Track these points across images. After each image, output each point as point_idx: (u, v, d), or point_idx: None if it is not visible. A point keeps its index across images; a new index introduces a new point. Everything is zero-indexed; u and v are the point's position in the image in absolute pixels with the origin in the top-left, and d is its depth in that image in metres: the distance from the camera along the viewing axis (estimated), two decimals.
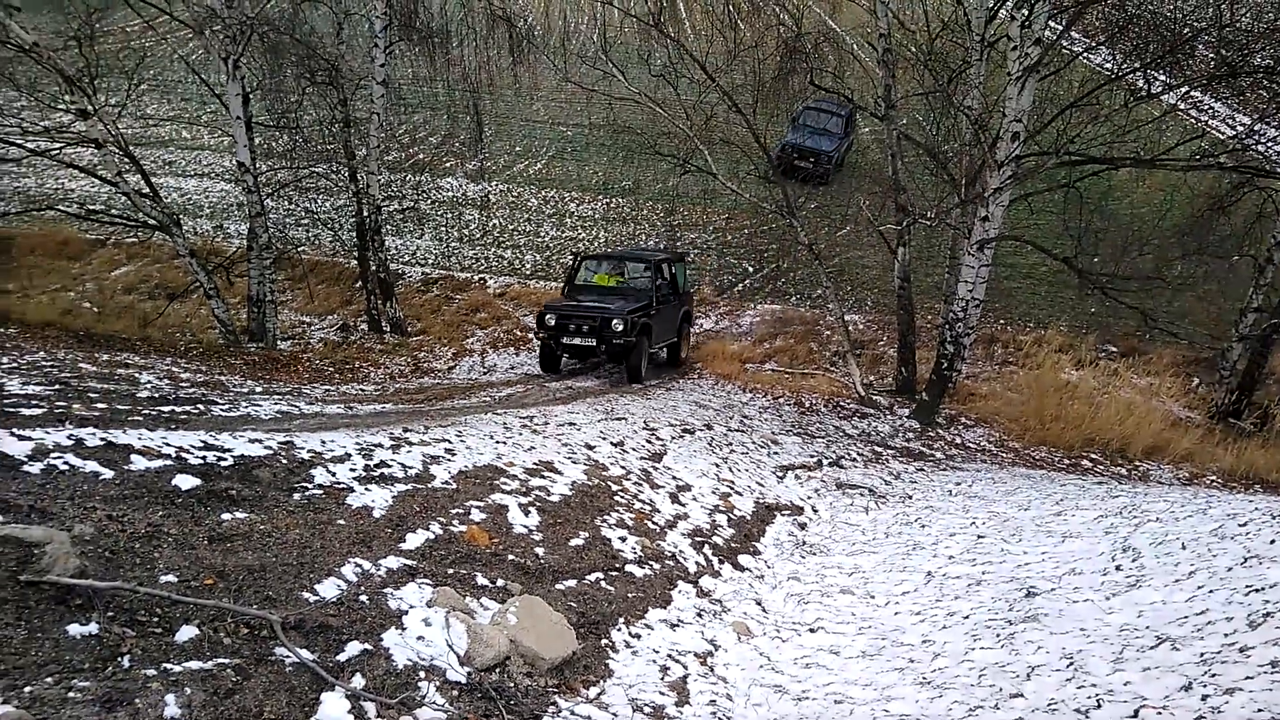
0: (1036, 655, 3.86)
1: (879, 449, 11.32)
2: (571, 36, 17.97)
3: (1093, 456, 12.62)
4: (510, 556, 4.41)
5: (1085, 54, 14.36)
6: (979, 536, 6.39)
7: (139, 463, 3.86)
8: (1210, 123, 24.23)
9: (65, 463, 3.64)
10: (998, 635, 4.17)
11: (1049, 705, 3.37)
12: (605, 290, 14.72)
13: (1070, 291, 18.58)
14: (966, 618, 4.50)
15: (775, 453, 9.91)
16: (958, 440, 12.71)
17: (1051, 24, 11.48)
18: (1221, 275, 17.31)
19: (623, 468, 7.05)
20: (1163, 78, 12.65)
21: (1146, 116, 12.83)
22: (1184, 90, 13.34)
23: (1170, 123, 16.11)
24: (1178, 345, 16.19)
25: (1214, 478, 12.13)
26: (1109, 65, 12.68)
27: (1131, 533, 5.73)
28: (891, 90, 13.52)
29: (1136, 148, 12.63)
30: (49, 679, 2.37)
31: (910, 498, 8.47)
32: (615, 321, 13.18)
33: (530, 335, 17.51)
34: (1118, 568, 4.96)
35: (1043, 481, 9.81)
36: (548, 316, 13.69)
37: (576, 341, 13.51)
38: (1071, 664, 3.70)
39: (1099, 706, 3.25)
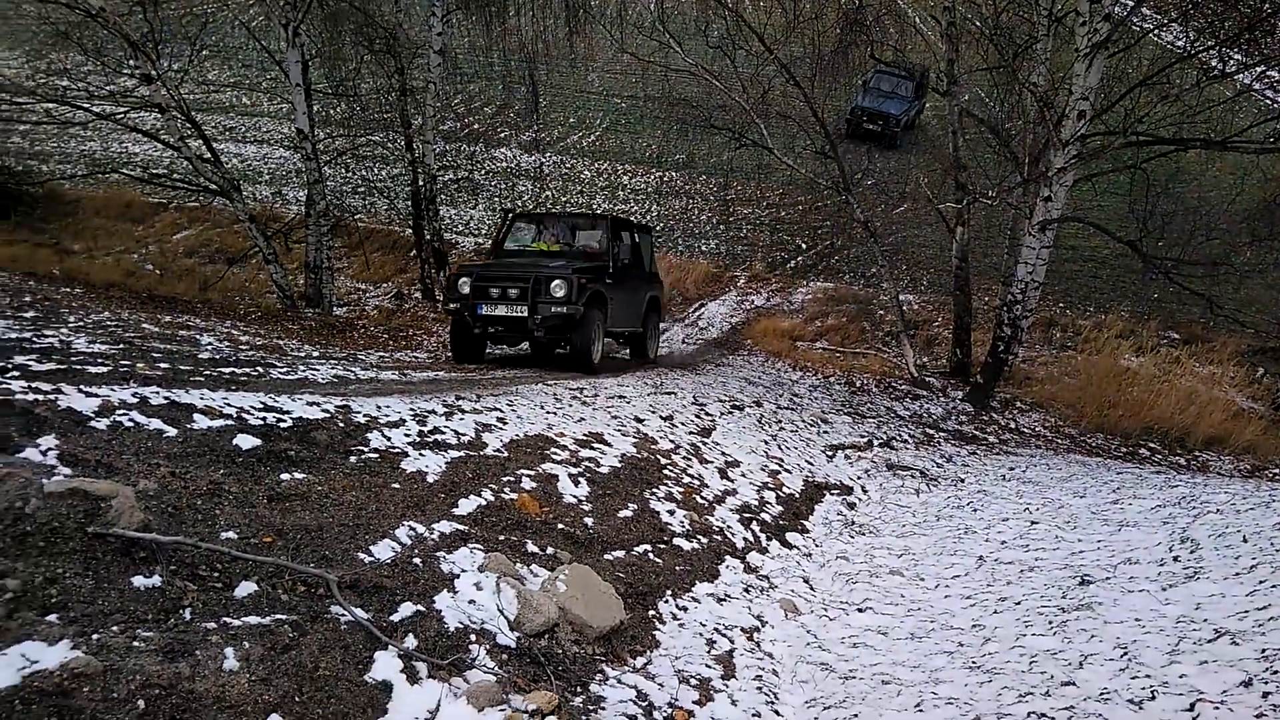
0: (1090, 644, 3.79)
1: (931, 431, 11.19)
2: (628, 6, 17.85)
3: (1151, 445, 12.36)
4: (560, 525, 4.44)
5: (1157, 31, 13.91)
6: (1032, 522, 6.29)
7: (201, 422, 3.94)
8: None
9: (131, 420, 3.72)
10: (1050, 622, 4.11)
11: (1101, 694, 3.32)
12: (546, 255, 11.69)
13: (1133, 276, 18.16)
14: (1018, 604, 4.44)
15: (825, 431, 9.85)
16: (1012, 425, 12.52)
17: None
18: None
19: (672, 441, 7.05)
20: (1238, 56, 12.22)
21: (1219, 97, 12.45)
22: (1260, 69, 12.88)
23: (1244, 103, 15.60)
24: (1243, 333, 15.74)
25: (1277, 470, 11.81)
26: (1181, 42, 12.28)
27: (1190, 524, 5.60)
28: (954, 65, 13.25)
29: (1207, 129, 12.27)
30: (115, 628, 2.43)
31: (962, 481, 8.36)
32: (556, 283, 10.01)
33: None
34: (1175, 559, 4.85)
35: (1099, 469, 9.63)
36: (462, 280, 10.33)
37: (501, 312, 10.13)
38: (1126, 654, 3.63)
39: (1153, 698, 3.19)
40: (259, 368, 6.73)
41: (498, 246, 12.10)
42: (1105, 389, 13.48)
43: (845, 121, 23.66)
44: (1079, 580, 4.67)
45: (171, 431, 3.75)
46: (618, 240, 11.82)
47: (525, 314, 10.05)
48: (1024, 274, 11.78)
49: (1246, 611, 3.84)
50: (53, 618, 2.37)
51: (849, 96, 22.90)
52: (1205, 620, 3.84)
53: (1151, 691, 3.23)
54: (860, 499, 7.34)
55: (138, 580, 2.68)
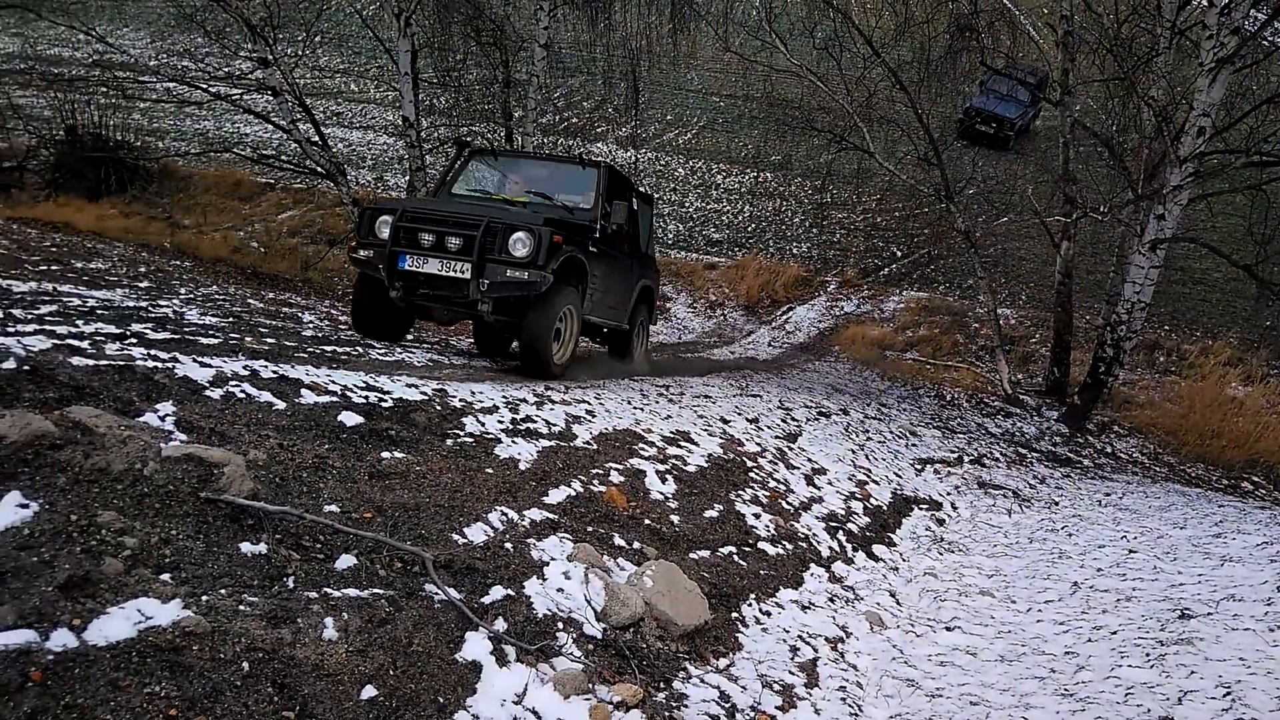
0: (1189, 680, 3.65)
1: (1023, 450, 10.89)
2: (734, 5, 17.77)
3: (1255, 479, 11.82)
4: (646, 521, 4.45)
5: None
6: (1130, 551, 6.07)
7: (308, 397, 4.06)
8: None
9: (242, 391, 3.86)
10: (1147, 655, 3.96)
11: None
12: (508, 204, 8.48)
13: (1244, 301, 17.39)
14: (1114, 633, 4.29)
15: (913, 444, 9.67)
16: (1109, 449, 12.10)
17: (1254, 12, 10.66)
18: None
19: (758, 445, 7.01)
20: None
21: None
22: None
23: None
24: None
25: None
26: None
27: None
28: (1069, 75, 12.85)
29: None
30: (223, 591, 2.52)
31: (1056, 504, 8.12)
32: (518, 236, 7.08)
33: (668, 305, 17.46)
34: None
35: (1199, 500, 9.26)
36: (381, 220, 7.39)
37: (432, 269, 7.16)
38: (1229, 694, 3.48)
39: None
40: (358, 347, 6.91)
41: (443, 182, 9.13)
42: (1209, 418, 12.95)
43: (958, 121, 23.36)
44: (1179, 614, 4.49)
45: (280, 405, 3.88)
46: (613, 200, 8.62)
47: (468, 275, 7.03)
48: (1130, 294, 11.37)
49: None
50: (166, 577, 2.46)
51: (956, 102, 22.49)
52: None
53: None
54: (949, 515, 7.18)
55: (245, 546, 2.77)
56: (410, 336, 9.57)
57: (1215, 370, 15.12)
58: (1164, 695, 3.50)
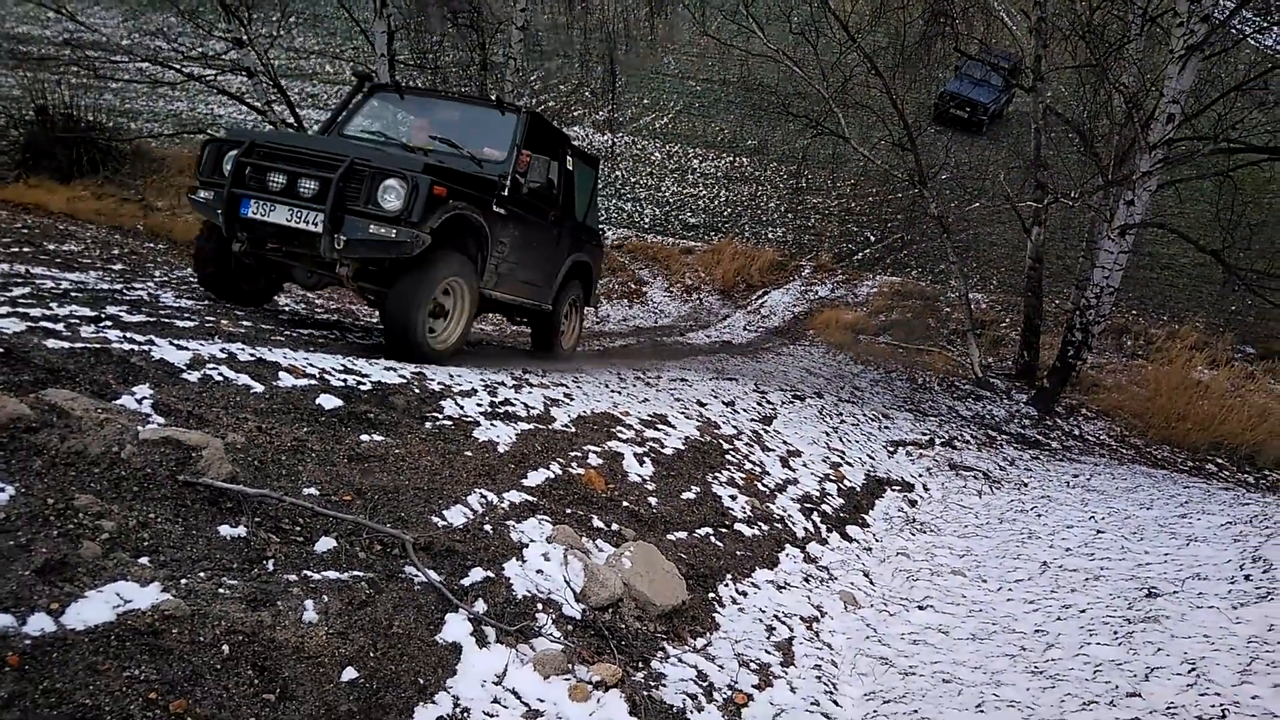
0: (1156, 657, 3.73)
1: (993, 433, 11.02)
2: None
3: (1218, 461, 12.03)
4: (625, 503, 4.47)
5: (1255, 35, 13.43)
6: (1098, 531, 6.17)
7: (286, 380, 4.05)
8: None
9: (220, 374, 3.84)
10: (1115, 632, 4.04)
11: (1168, 708, 3.26)
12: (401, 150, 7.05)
13: (1211, 287, 17.65)
14: (1083, 611, 4.37)
15: (886, 427, 9.75)
16: (1076, 431, 12.27)
17: (1223, 1, 10.77)
18: None
19: (734, 427, 7.05)
20: None
21: None
22: None
23: None
24: None
25: None
26: None
27: (1263, 543, 5.45)
28: (1042, 61, 12.94)
29: None
30: (202, 574, 2.52)
31: (1025, 485, 8.23)
32: (389, 183, 5.71)
33: (644, 289, 17.48)
34: (1246, 577, 4.73)
35: (1165, 482, 9.41)
36: (226, 155, 6.06)
37: (279, 219, 5.83)
38: (1194, 670, 3.56)
39: (1224, 717, 3.12)
40: (335, 330, 6.88)
41: (333, 125, 7.73)
42: (1174, 401, 13.15)
43: (932, 105, 23.60)
44: (1146, 592, 4.58)
45: (258, 388, 3.86)
46: (533, 152, 7.25)
47: (319, 228, 5.69)
48: (1100, 278, 11.51)
49: None
50: (144, 560, 2.46)
51: (930, 88, 22.63)
52: (1279, 642, 3.75)
53: (1222, 710, 3.16)
54: (922, 496, 7.27)
55: (224, 529, 2.76)
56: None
57: (1181, 354, 15.33)
58: (1131, 672, 3.57)
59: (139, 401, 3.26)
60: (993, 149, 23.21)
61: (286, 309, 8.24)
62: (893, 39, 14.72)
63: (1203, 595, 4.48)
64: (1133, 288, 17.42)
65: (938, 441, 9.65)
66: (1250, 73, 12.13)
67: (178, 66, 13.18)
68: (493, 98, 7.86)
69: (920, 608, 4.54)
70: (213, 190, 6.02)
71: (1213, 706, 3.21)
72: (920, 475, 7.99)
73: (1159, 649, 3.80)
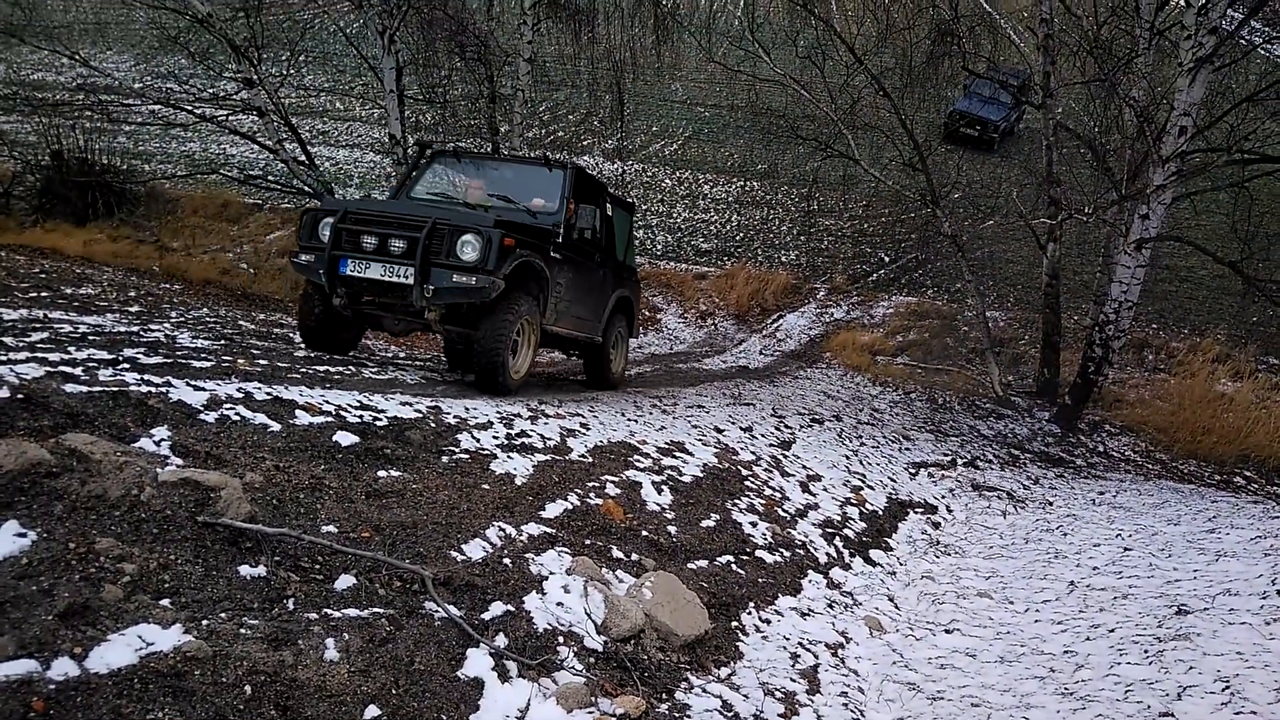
0: (1188, 675, 3.67)
1: (1016, 452, 10.93)
2: (718, 15, 17.86)
3: (1247, 474, 11.87)
4: (644, 532, 4.46)
5: (1266, 45, 13.39)
6: (1125, 549, 6.11)
7: (303, 418, 4.07)
8: None
9: (237, 414, 3.86)
10: (1145, 651, 3.98)
11: None
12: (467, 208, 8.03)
13: (1232, 299, 17.46)
14: (1112, 631, 4.31)
15: (907, 448, 9.70)
16: (1101, 448, 12.15)
17: (1230, 12, 10.75)
18: None
19: (752, 453, 7.03)
20: None
21: None
22: None
23: None
24: None
25: None
26: None
27: None
28: (1050, 78, 12.94)
29: None
30: (223, 614, 2.52)
31: (1050, 504, 8.16)
32: (467, 239, 6.64)
33: (658, 316, 17.47)
34: (1279, 592, 4.66)
35: (1192, 496, 9.30)
36: (323, 223, 7.02)
37: (374, 274, 6.79)
38: (1228, 688, 3.50)
39: None
40: (351, 366, 6.91)
41: (401, 186, 8.94)
42: (1199, 414, 13.00)
43: (942, 125, 23.59)
44: (1176, 610, 4.51)
45: (275, 426, 3.88)
46: (581, 203, 8.30)
47: (411, 280, 6.62)
48: (1117, 293, 11.42)
49: None
50: (165, 602, 2.46)
51: (940, 107, 22.65)
52: None
53: None
54: (945, 518, 7.21)
55: (244, 569, 2.77)
56: (403, 354, 9.57)
57: (1204, 367, 15.17)
58: (1163, 691, 3.52)
59: (157, 443, 3.28)
60: (1004, 166, 23.14)
61: (302, 346, 8.30)
62: (900, 59, 14.75)
63: (1234, 611, 4.41)
64: (1152, 301, 17.27)
65: (960, 462, 9.58)
66: (1262, 83, 12.08)
67: (189, 108, 13.35)
68: (540, 155, 9.06)
69: (947, 631, 4.50)
70: (313, 253, 6.96)
71: None
72: (943, 496, 7.93)
73: (1191, 667, 3.74)
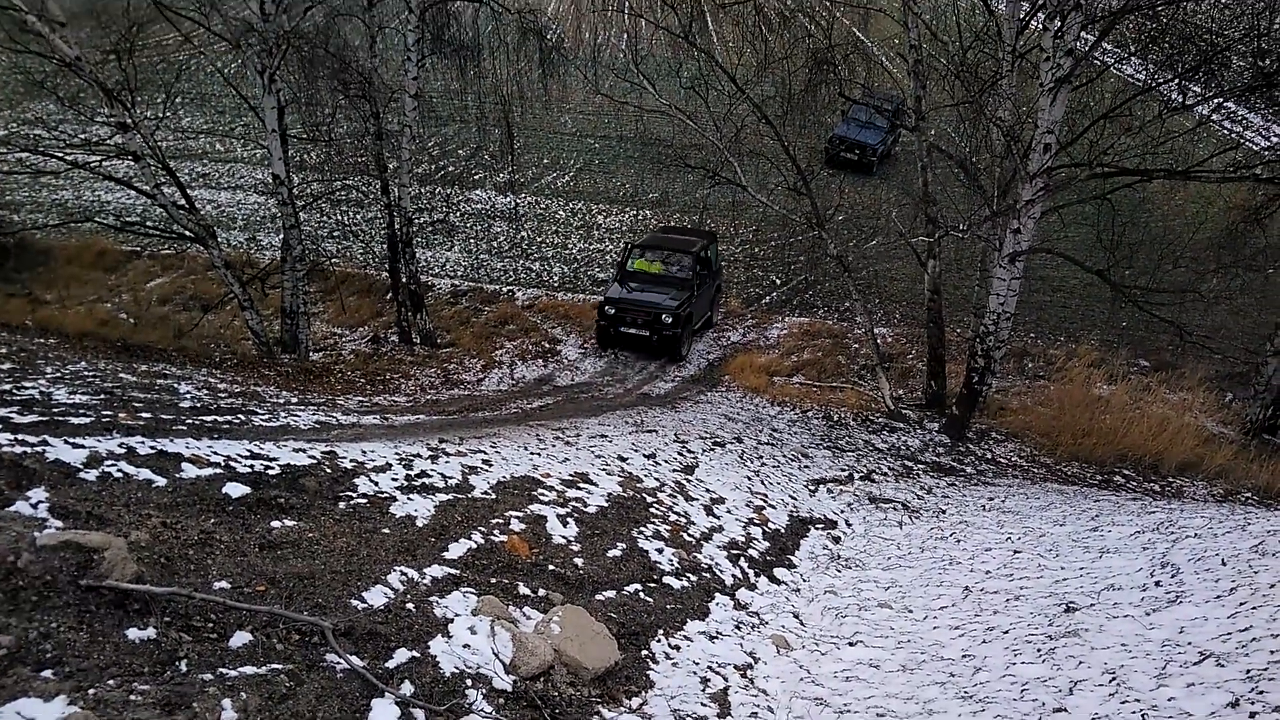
0: (1078, 670, 3.84)
1: (909, 463, 11.26)
2: (602, 49, 18.07)
3: (1125, 472, 12.48)
4: (550, 566, 4.44)
5: (1118, 65, 14.23)
6: (1015, 552, 6.35)
7: (190, 471, 3.93)
8: (1245, 134, 24.05)
9: (119, 470, 3.71)
10: (1038, 650, 4.15)
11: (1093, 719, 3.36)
12: (653, 279, 16.57)
13: (1102, 305, 18.37)
14: (1006, 632, 4.47)
15: (806, 466, 9.89)
16: (989, 455, 12.62)
17: (1084, 35, 11.41)
18: (1257, 288, 17.09)
19: (656, 480, 7.07)
20: (1196, 89, 12.51)
21: (1180, 128, 12.72)
22: (1218, 101, 13.20)
23: (1204, 134, 15.96)
24: (1211, 360, 15.94)
25: (1249, 494, 11.96)
26: (1141, 76, 12.58)
27: (1170, 549, 5.67)
28: (922, 101, 13.48)
29: (1170, 160, 12.52)
30: (111, 681, 2.42)
31: (944, 513, 8.42)
32: (665, 316, 15.60)
33: (558, 348, 17.56)
34: (1157, 583, 4.91)
35: (1076, 497, 9.72)
36: (608, 308, 16.06)
37: (632, 331, 16.00)
38: (1114, 679, 3.68)
39: None
40: (240, 415, 6.69)
41: (622, 268, 16.87)
42: (1079, 418, 13.59)
43: (823, 150, 24.25)
44: (1064, 608, 4.71)
45: (160, 481, 3.74)
46: (699, 264, 16.64)
47: (648, 334, 15.91)
48: (995, 305, 11.92)
49: (1229, 634, 3.90)
50: (48, 673, 2.35)
51: (820, 133, 23.29)
52: (1190, 643, 3.89)
53: (1142, 715, 3.27)
54: (845, 533, 7.37)
55: (132, 633, 2.66)
56: (295, 399, 9.37)
57: (1081, 372, 15.90)
58: (1057, 687, 3.67)
59: (34, 506, 3.13)
60: (884, 188, 23.96)
61: (188, 396, 7.99)
62: (779, 88, 15.11)
63: (1118, 605, 4.63)
64: (1029, 311, 18.04)
65: (857, 476, 9.82)
66: (1116, 100, 12.81)
67: (60, 155, 12.81)
68: (682, 237, 18.17)
69: (850, 644, 4.59)
70: (606, 320, 16.28)
71: (1134, 713, 3.31)
72: (842, 511, 8.10)
73: (1081, 662, 3.91)
